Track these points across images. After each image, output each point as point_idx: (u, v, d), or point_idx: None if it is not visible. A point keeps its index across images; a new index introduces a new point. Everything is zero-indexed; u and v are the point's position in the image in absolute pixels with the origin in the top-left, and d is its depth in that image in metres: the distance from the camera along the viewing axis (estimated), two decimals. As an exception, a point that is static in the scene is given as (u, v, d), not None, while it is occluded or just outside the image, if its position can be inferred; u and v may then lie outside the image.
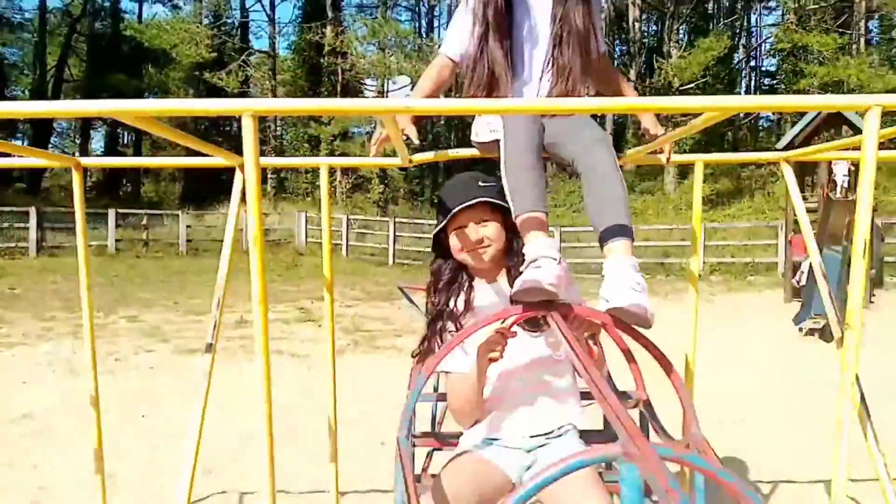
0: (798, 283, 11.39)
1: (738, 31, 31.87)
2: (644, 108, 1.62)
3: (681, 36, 27.24)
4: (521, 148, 1.75)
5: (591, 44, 2.04)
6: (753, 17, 34.72)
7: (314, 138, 27.51)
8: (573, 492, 1.61)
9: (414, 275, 16.72)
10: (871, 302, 10.72)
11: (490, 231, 1.85)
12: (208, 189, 26.77)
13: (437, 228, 1.89)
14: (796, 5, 23.65)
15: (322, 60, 28.31)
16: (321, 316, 10.39)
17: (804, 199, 13.59)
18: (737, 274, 15.06)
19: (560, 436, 1.85)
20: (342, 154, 24.99)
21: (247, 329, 8.85)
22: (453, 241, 1.88)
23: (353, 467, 3.83)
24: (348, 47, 26.37)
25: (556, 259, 1.63)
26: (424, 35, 33.34)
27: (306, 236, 20.65)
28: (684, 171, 24.20)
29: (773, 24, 32.66)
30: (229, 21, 32.12)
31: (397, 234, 19.36)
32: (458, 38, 2.09)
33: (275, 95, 28.10)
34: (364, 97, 32.53)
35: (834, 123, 11.87)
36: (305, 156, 27.68)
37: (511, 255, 1.89)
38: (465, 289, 1.91)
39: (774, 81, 32.56)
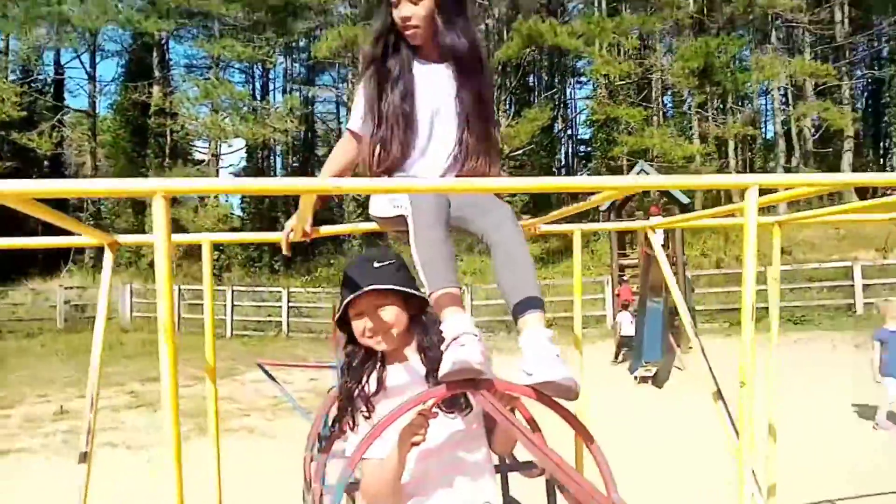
0: (618, 332, 12.37)
1: (556, 103, 34.79)
2: (551, 188, 1.69)
3: (507, 107, 29.24)
4: (430, 223, 1.73)
5: (490, 119, 2.10)
6: (569, 91, 38.27)
7: (139, 203, 25.78)
8: None
9: (255, 347, 15.96)
10: (690, 348, 11.83)
11: (388, 315, 1.78)
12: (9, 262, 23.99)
13: (336, 317, 1.82)
14: (606, 81, 26.40)
15: (148, 121, 26.88)
16: (155, 399, 9.56)
17: (625, 255, 14.88)
18: (571, 327, 16.00)
19: None
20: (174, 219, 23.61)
21: (70, 420, 7.91)
22: (355, 327, 1.82)
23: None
24: (178, 108, 25.28)
25: (476, 335, 1.62)
26: (260, 98, 32.83)
27: (132, 311, 19.04)
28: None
29: (586, 97, 36.20)
30: (41, 77, 29.66)
31: (235, 303, 18.46)
32: (361, 113, 2.07)
33: (94, 157, 26.14)
34: (194, 159, 31.23)
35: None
36: (128, 220, 25.90)
37: (419, 331, 1.84)
38: (377, 368, 1.84)
39: (589, 149, 35.76)
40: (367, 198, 2.12)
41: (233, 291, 18.60)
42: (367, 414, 1.79)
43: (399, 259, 1.87)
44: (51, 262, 20.63)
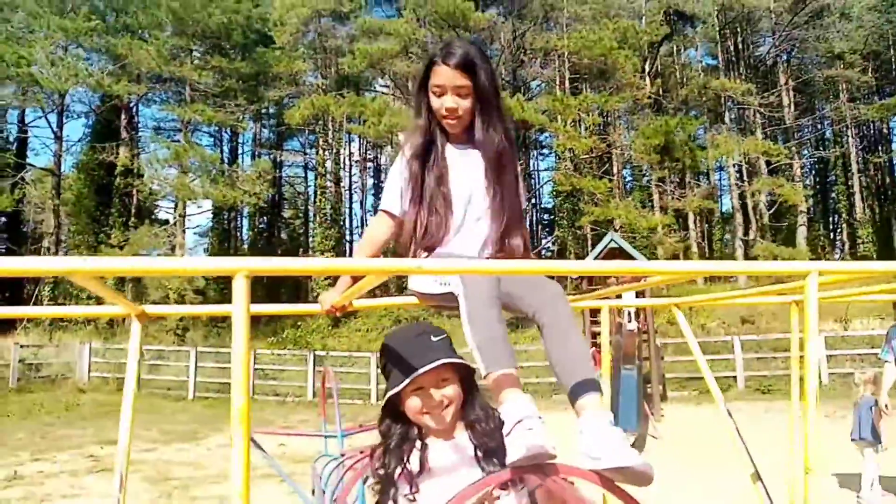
0: None
1: (522, 174, 35.71)
2: (608, 272, 1.72)
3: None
4: (485, 302, 1.71)
5: (520, 201, 2.16)
6: (532, 163, 39.35)
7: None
8: None
9: (219, 409, 15.43)
10: (663, 416, 11.88)
11: (450, 391, 1.74)
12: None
13: (395, 391, 1.72)
14: (571, 154, 27.27)
15: (114, 181, 26.63)
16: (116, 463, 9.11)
17: (596, 322, 14.98)
18: (543, 394, 15.93)
19: None
20: (135, 279, 23.12)
21: (24, 486, 7.49)
22: (413, 403, 1.74)
23: None
24: (145, 169, 25.15)
25: (541, 419, 1.58)
26: (229, 161, 32.88)
27: (89, 370, 18.33)
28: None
29: (548, 169, 37.22)
30: (3, 135, 29.29)
31: (198, 364, 17.95)
32: (396, 194, 2.12)
33: (57, 215, 25.63)
34: (159, 219, 30.86)
35: (617, 256, 13.53)
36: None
37: (469, 411, 1.79)
38: (418, 447, 1.77)
39: (553, 217, 36.56)
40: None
41: (196, 352, 18.09)
42: (411, 497, 1.69)
43: (446, 333, 1.84)
44: (4, 319, 19.81)
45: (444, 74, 2.03)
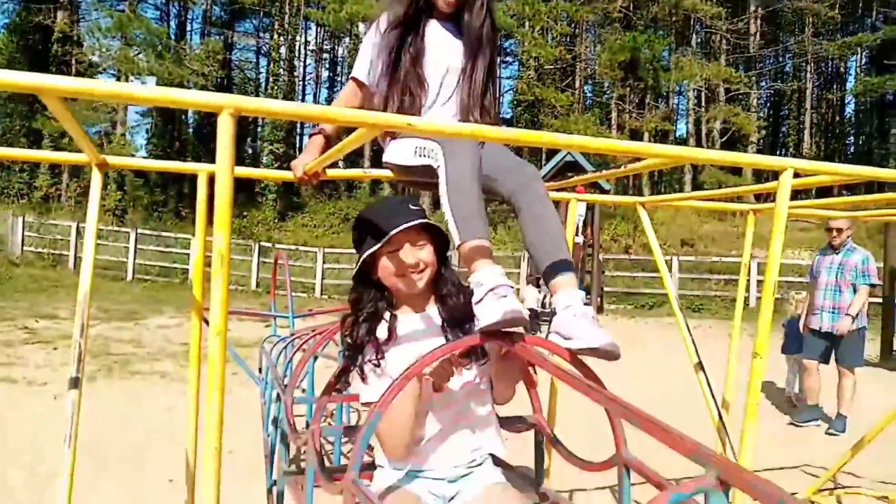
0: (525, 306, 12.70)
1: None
2: (605, 148, 1.67)
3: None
4: (466, 174, 1.68)
5: (494, 88, 2.15)
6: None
7: (35, 132, 23.93)
8: None
9: (159, 293, 15.25)
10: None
11: (426, 254, 1.73)
12: None
13: (371, 251, 1.70)
14: (536, 63, 26.75)
15: (50, 47, 24.82)
16: (54, 336, 8.97)
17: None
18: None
19: (480, 464, 1.80)
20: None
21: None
22: (385, 265, 1.73)
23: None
24: (86, 37, 23.47)
25: (512, 288, 1.58)
26: (176, 38, 30.95)
27: (23, 244, 17.70)
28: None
29: (509, 77, 36.49)
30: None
31: (138, 247, 17.53)
32: (367, 65, 2.10)
33: (-15, 78, 23.90)
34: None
35: (572, 170, 13.57)
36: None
37: (441, 284, 1.78)
38: (387, 318, 1.77)
39: (512, 127, 36.26)
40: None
41: (137, 234, 17.63)
42: (376, 362, 1.73)
43: (423, 207, 1.84)
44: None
45: None
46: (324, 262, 17.52)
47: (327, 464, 2.40)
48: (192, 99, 1.29)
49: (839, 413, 5.73)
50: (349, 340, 1.76)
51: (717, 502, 0.83)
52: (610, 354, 1.52)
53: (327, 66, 41.52)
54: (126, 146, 23.33)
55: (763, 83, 35.74)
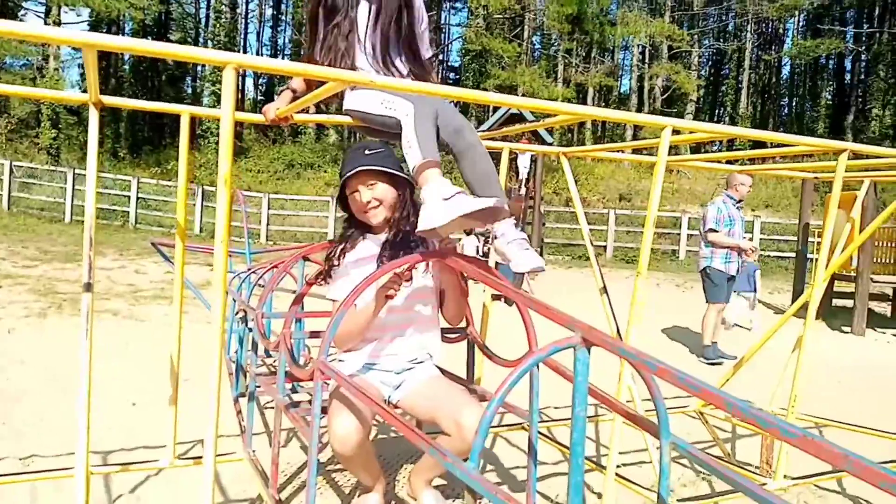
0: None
1: (432, 26, 34.54)
2: (538, 108, 2.02)
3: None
4: (430, 115, 2.01)
5: (421, 47, 2.37)
6: (443, 15, 38.03)
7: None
8: (441, 394, 2.07)
9: (99, 235, 15.01)
10: (537, 274, 12.89)
11: (378, 192, 2.12)
12: None
13: (337, 195, 2.21)
14: (484, 12, 26.68)
15: (-28, -30, 23.29)
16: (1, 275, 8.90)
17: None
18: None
19: (422, 362, 2.20)
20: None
21: None
22: (351, 203, 2.18)
23: (113, 430, 3.63)
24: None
25: (461, 192, 1.89)
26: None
27: (-48, 182, 17.04)
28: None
29: (458, 24, 36.21)
30: None
31: (76, 187, 17.09)
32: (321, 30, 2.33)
33: None
34: (22, 21, 27.57)
35: (517, 120, 13.88)
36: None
37: (399, 211, 2.15)
38: (354, 239, 2.21)
39: (458, 76, 36.15)
40: None
41: (74, 174, 17.15)
42: (336, 270, 2.20)
43: (388, 148, 2.20)
44: None
45: None
46: (269, 209, 17.50)
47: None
48: (197, 55, 1.54)
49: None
50: (329, 254, 2.22)
51: (581, 355, 1.20)
52: (536, 271, 1.96)
53: (271, 2, 40.26)
54: (59, 82, 22.33)
55: (706, 41, 36.54)
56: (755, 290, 8.14)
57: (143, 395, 4.27)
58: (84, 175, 18.00)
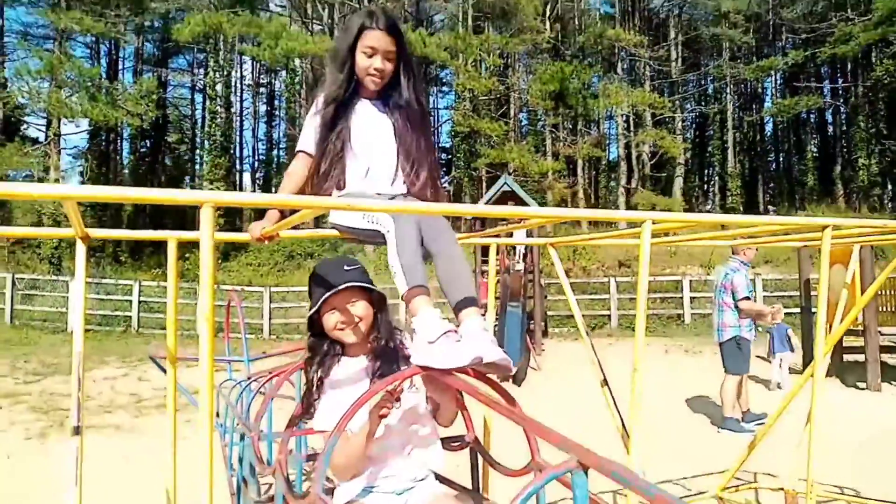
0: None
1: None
2: (534, 216, 2.08)
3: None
4: (411, 235, 2.04)
5: (429, 156, 2.43)
6: (432, 99, 39.25)
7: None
8: None
9: (102, 342, 14.96)
10: (543, 349, 12.77)
11: (359, 309, 2.11)
12: None
13: (312, 312, 2.10)
14: (470, 95, 27.55)
15: (-26, 91, 24.22)
16: (2, 394, 8.81)
17: (486, 261, 15.56)
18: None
19: (423, 479, 2.14)
20: None
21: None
22: (327, 321, 2.11)
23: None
24: (13, 79, 23.00)
25: (456, 332, 1.91)
26: (107, 77, 30.49)
27: (-47, 298, 17.10)
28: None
29: (446, 107, 37.32)
30: None
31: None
32: (312, 136, 2.38)
33: None
34: (29, 136, 28.53)
35: (511, 199, 14.09)
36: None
37: (375, 329, 2.14)
38: (334, 362, 2.16)
39: (450, 157, 36.97)
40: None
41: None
42: (319, 398, 2.12)
43: (361, 264, 2.20)
44: None
45: (377, 38, 2.28)
46: (271, 302, 17.49)
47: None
48: (174, 197, 1.58)
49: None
50: (305, 380, 2.15)
51: (578, 479, 1.17)
52: (501, 368, 1.86)
53: (265, 100, 41.55)
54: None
55: (688, 106, 37.57)
56: (793, 350, 8.26)
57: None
58: (87, 283, 18.11)
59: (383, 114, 2.40)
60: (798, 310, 10.66)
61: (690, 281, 16.84)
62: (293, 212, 2.12)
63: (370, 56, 2.29)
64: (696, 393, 8.20)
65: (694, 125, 40.38)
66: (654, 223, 2.25)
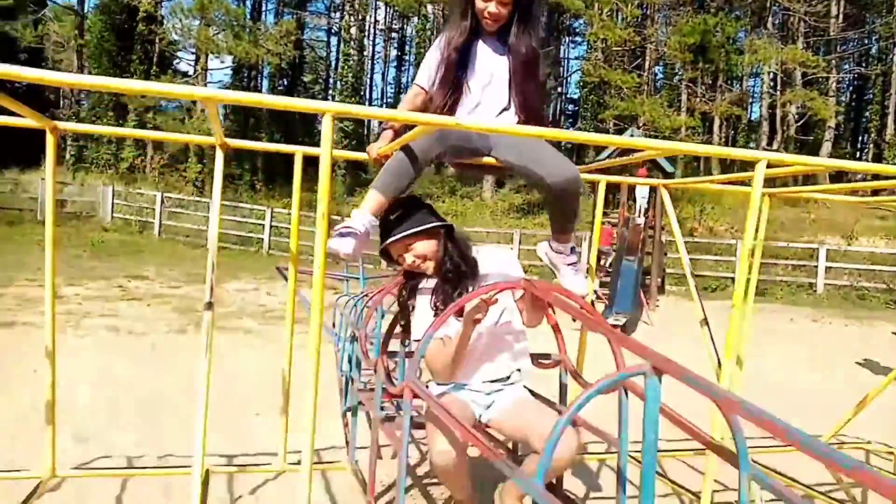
0: (606, 265, 12.91)
1: (551, 60, 34.74)
2: (602, 142, 2.12)
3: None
4: (417, 154, 2.25)
5: (537, 100, 2.49)
6: (562, 49, 38.18)
7: (121, 106, 25.41)
8: (530, 415, 2.15)
9: (236, 259, 16.17)
10: (657, 306, 12.50)
11: (419, 250, 2.29)
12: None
13: (384, 262, 2.42)
14: (603, 45, 26.53)
15: (136, 26, 26.17)
16: (145, 294, 9.86)
17: (605, 214, 15.32)
18: (547, 276, 16.58)
19: (512, 382, 2.28)
20: (154, 127, 23.29)
21: (63, 304, 8.18)
22: (402, 262, 2.35)
23: (232, 439, 3.92)
24: (169, 17, 24.68)
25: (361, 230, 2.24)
26: (251, 17, 32.01)
27: (112, 211, 19.03)
28: (500, 181, 25.97)
29: (578, 58, 36.19)
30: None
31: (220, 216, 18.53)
32: (429, 73, 2.49)
33: (80, 55, 25.55)
34: (180, 70, 30.62)
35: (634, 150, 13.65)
36: (109, 124, 25.43)
37: (447, 256, 2.31)
38: (415, 287, 2.42)
39: (577, 108, 36.02)
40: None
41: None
42: (410, 313, 2.41)
43: (414, 200, 2.35)
44: (31, 156, 20.22)
45: None
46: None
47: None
48: (300, 105, 1.74)
49: None
50: (399, 301, 2.45)
51: (651, 383, 1.23)
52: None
53: (396, 45, 42.14)
54: (205, 122, 24.50)
55: (846, 66, 34.25)
56: None
57: (266, 406, 4.58)
58: (226, 206, 19.55)
59: (498, 54, 2.46)
60: None
61: (828, 250, 15.71)
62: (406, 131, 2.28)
63: (486, 0, 2.35)
64: (820, 367, 7.75)
65: (851, 87, 36.84)
66: (769, 164, 2.18)
